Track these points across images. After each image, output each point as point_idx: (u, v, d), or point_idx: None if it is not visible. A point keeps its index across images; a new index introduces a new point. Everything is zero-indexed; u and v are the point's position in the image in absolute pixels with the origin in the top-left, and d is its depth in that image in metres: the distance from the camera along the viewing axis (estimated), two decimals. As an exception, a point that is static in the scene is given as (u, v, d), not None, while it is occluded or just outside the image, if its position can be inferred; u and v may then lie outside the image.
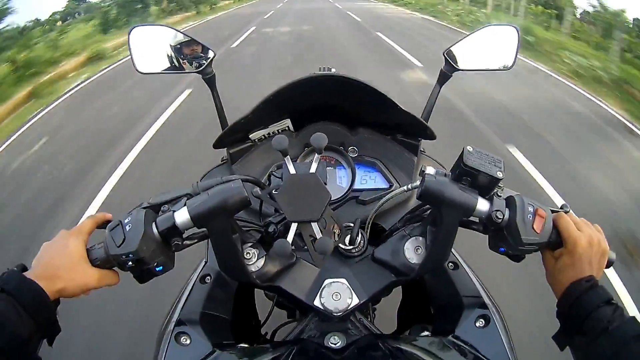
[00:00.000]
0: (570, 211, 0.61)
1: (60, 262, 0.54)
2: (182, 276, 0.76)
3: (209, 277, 0.74)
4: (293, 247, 0.56)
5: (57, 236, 0.58)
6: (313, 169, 0.57)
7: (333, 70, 0.77)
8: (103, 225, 0.60)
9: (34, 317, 0.50)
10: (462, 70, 0.88)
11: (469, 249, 0.85)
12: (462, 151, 0.59)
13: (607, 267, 0.61)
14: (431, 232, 0.64)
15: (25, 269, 0.54)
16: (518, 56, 0.92)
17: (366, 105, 0.80)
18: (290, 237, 0.55)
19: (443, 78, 0.90)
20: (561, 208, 0.62)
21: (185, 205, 0.56)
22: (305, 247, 0.59)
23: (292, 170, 0.57)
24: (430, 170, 0.61)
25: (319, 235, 0.55)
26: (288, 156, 0.58)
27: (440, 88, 0.91)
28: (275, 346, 0.65)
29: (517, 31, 0.92)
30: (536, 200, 0.60)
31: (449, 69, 0.89)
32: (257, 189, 0.64)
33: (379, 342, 0.62)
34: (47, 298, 0.51)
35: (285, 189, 0.56)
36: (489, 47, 0.91)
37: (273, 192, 0.60)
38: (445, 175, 0.61)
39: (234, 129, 0.78)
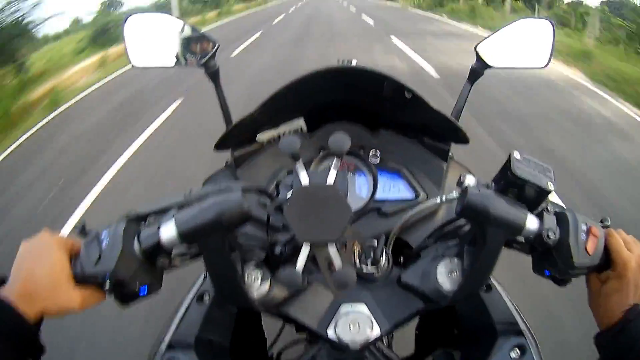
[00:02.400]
0: (617, 229, 0.53)
1: (42, 279, 0.45)
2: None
3: (207, 296, 0.64)
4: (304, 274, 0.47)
5: (40, 240, 0.48)
6: (331, 179, 0.48)
7: (354, 62, 0.67)
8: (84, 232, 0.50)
9: (12, 342, 0.42)
10: (494, 67, 0.79)
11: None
12: (509, 158, 0.51)
13: None
14: (469, 253, 0.55)
15: (3, 280, 0.45)
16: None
17: (390, 103, 0.70)
18: (300, 263, 0.45)
19: (474, 76, 0.80)
20: (601, 222, 0.54)
21: (173, 218, 0.47)
22: (319, 271, 0.49)
23: (304, 180, 0.48)
24: (470, 180, 0.52)
25: (337, 261, 0.45)
26: (300, 161, 0.48)
27: (471, 87, 0.80)
28: None
29: (553, 26, 0.83)
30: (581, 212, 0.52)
31: (480, 66, 0.79)
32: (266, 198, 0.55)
33: None
34: (27, 322, 0.43)
35: (296, 202, 0.47)
36: (522, 43, 0.81)
37: (283, 204, 0.51)
38: (487, 186, 0.53)
39: (240, 128, 0.69)
